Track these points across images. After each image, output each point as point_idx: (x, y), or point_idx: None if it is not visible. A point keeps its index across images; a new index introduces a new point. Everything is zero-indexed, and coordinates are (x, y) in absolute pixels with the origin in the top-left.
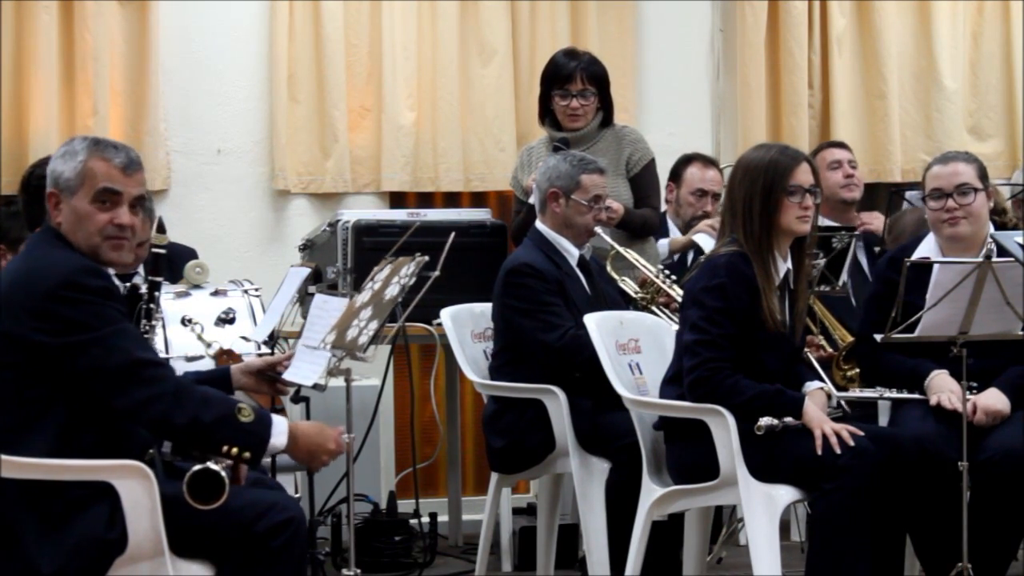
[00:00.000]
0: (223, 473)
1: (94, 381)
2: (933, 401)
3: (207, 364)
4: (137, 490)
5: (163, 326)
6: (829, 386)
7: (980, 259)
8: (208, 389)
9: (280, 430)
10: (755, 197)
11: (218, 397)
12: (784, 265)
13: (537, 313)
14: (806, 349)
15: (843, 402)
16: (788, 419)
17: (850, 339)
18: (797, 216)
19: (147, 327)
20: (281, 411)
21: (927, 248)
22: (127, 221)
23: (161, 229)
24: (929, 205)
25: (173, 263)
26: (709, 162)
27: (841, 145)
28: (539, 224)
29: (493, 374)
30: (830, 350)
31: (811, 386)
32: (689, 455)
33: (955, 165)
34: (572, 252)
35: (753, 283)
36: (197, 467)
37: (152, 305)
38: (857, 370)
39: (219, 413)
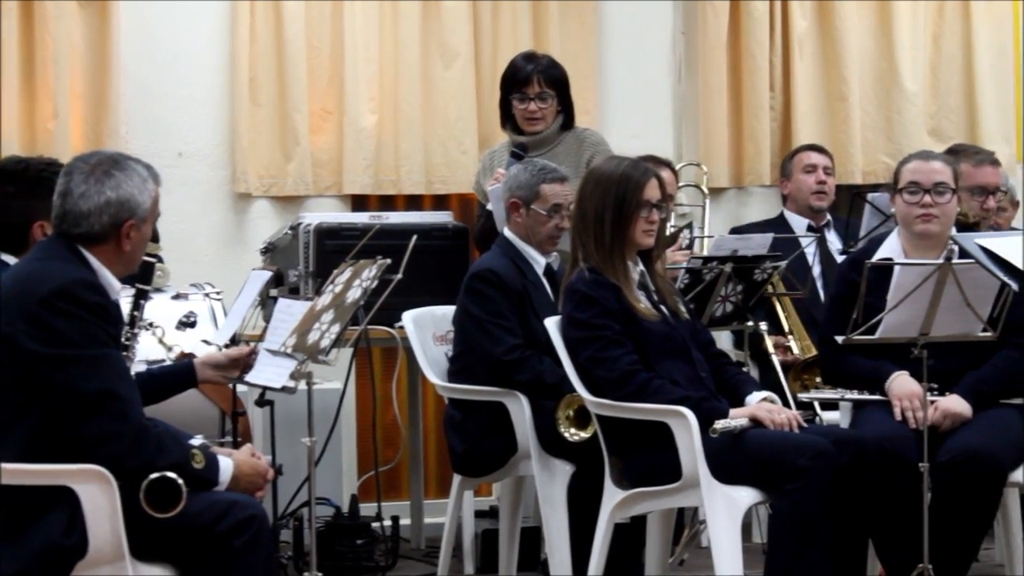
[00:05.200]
0: (180, 481)
1: (65, 399)
2: (897, 414)
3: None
4: (98, 495)
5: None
6: (772, 395)
7: (940, 261)
8: (166, 431)
9: (226, 476)
10: (607, 209)
11: (174, 442)
12: (636, 268)
13: (487, 323)
14: (773, 351)
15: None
16: (743, 421)
17: (813, 352)
18: (644, 230)
19: (130, 334)
20: (243, 415)
21: (889, 249)
22: None
23: (154, 238)
24: (904, 199)
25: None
26: (661, 163)
27: (820, 150)
28: (506, 231)
29: (452, 377)
30: (796, 354)
31: (755, 397)
32: (644, 460)
33: (935, 163)
34: (539, 260)
35: (612, 284)
36: (153, 475)
37: (137, 312)
38: (818, 379)
39: (173, 460)
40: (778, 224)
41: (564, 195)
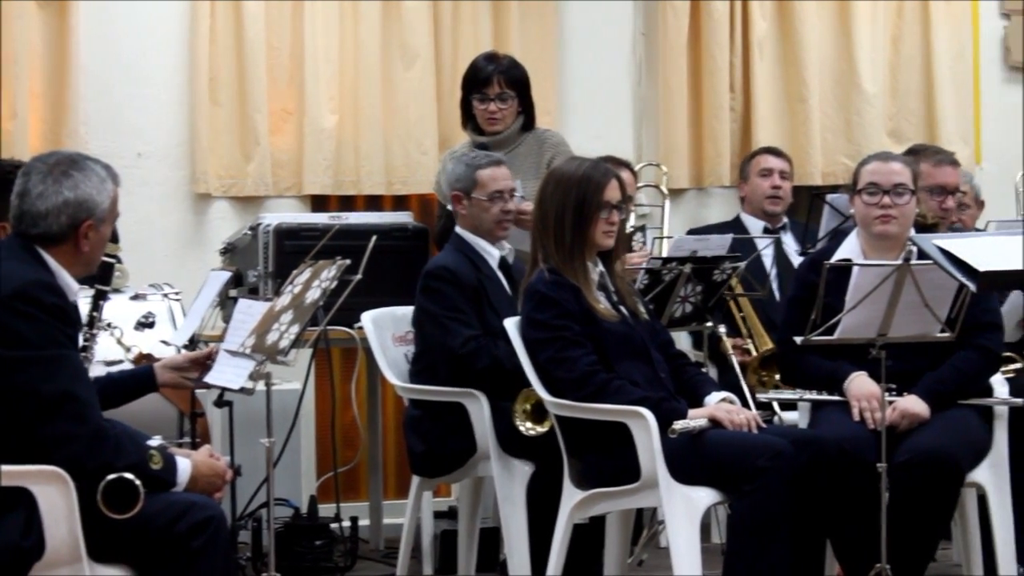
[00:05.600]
0: (137, 482)
1: (23, 401)
2: (855, 415)
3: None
4: (55, 496)
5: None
6: (731, 396)
7: (899, 262)
8: (124, 431)
9: (184, 476)
10: (567, 210)
11: (132, 443)
12: (596, 269)
13: (444, 318)
14: (731, 351)
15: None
16: (702, 421)
17: (769, 345)
18: (604, 231)
19: (88, 335)
20: (202, 415)
21: (848, 250)
22: None
23: (114, 238)
24: (862, 200)
25: None
26: (621, 163)
27: (777, 153)
28: (458, 228)
29: (414, 377)
30: (754, 354)
31: (714, 398)
32: (603, 460)
33: (893, 164)
34: (492, 253)
35: (572, 285)
36: (111, 476)
37: (96, 313)
38: (776, 376)
39: (131, 461)
40: (734, 226)
41: (503, 178)
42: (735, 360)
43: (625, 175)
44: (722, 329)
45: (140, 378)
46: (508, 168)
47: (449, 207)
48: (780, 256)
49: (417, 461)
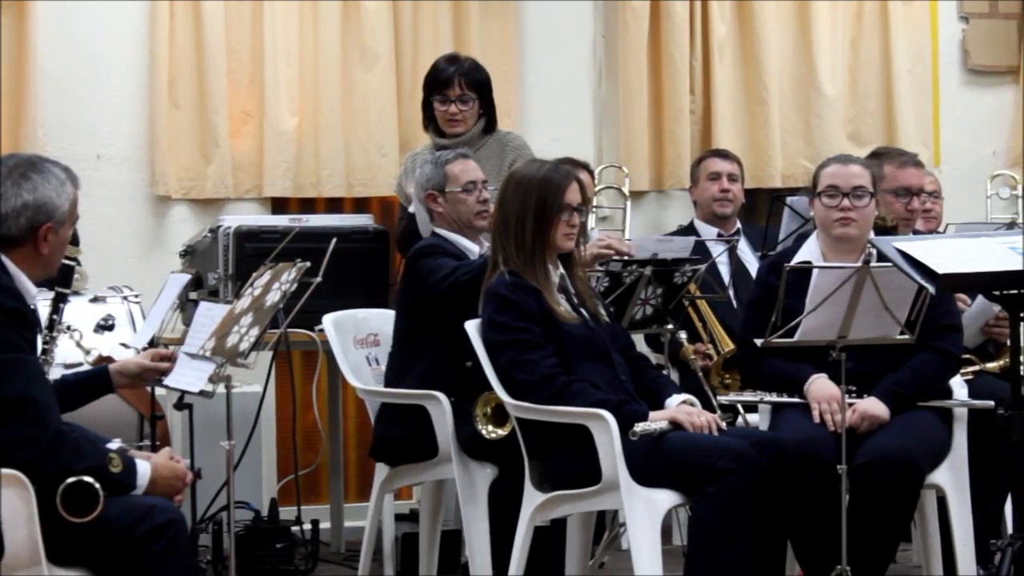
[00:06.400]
0: (97, 485)
1: None
2: (816, 417)
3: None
4: (14, 499)
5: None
6: (691, 398)
7: (859, 264)
8: (83, 435)
9: (143, 480)
10: (528, 213)
11: (91, 447)
12: (556, 271)
13: (427, 266)
14: (692, 356)
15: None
16: (663, 424)
17: (731, 347)
18: (564, 233)
19: (48, 338)
20: (161, 418)
21: (808, 252)
22: None
23: (74, 241)
24: (822, 202)
25: None
26: (579, 165)
27: (725, 155)
28: (436, 229)
29: (393, 369)
30: (716, 357)
31: (675, 400)
32: (564, 462)
33: (853, 167)
34: (472, 250)
35: (532, 287)
36: (71, 480)
37: (56, 316)
38: (738, 377)
39: (90, 464)
40: (688, 232)
41: (473, 170)
42: (698, 365)
43: (583, 177)
44: (683, 335)
45: (95, 380)
46: None
47: (411, 209)
48: (735, 263)
49: (393, 447)
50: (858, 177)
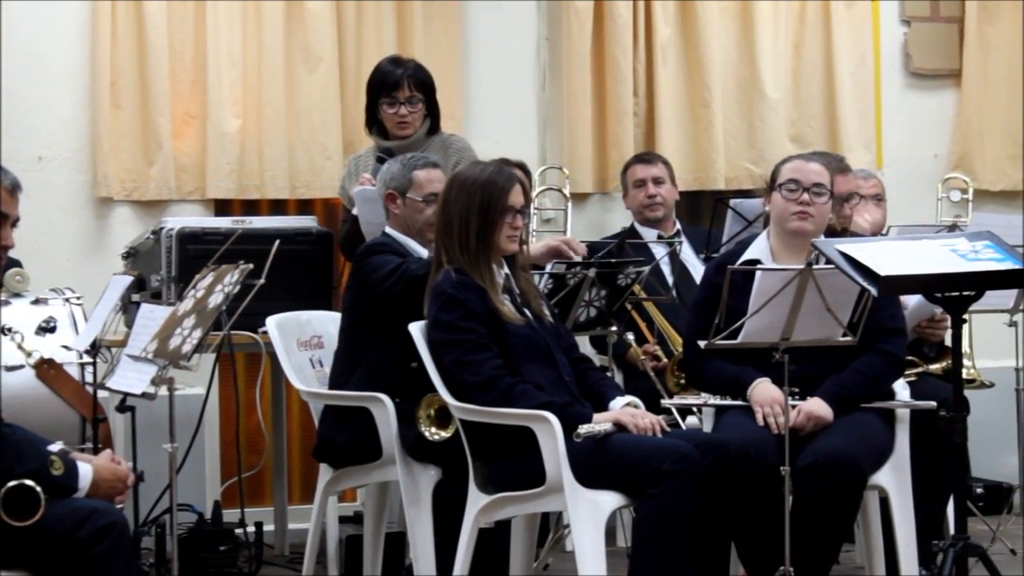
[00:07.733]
0: (38, 488)
1: None
2: (759, 420)
3: (27, 374)
4: None
5: None
6: (635, 400)
7: (801, 266)
8: (24, 437)
9: (85, 482)
10: (472, 215)
11: (32, 449)
12: (501, 271)
13: (372, 264)
14: (642, 358)
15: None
16: (607, 426)
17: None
18: (508, 235)
19: None
20: (104, 421)
21: (757, 250)
22: (10, 242)
23: None
24: (782, 195)
25: None
26: (514, 165)
27: (647, 160)
28: (388, 228)
29: (338, 370)
30: (664, 360)
31: (619, 402)
32: (508, 464)
33: (815, 164)
34: (421, 254)
35: (478, 286)
36: (12, 483)
37: None
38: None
39: (31, 467)
40: (630, 236)
41: (439, 181)
42: (648, 366)
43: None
44: (630, 336)
45: None
46: None
47: (354, 211)
48: (677, 264)
49: (339, 449)
50: (819, 175)
